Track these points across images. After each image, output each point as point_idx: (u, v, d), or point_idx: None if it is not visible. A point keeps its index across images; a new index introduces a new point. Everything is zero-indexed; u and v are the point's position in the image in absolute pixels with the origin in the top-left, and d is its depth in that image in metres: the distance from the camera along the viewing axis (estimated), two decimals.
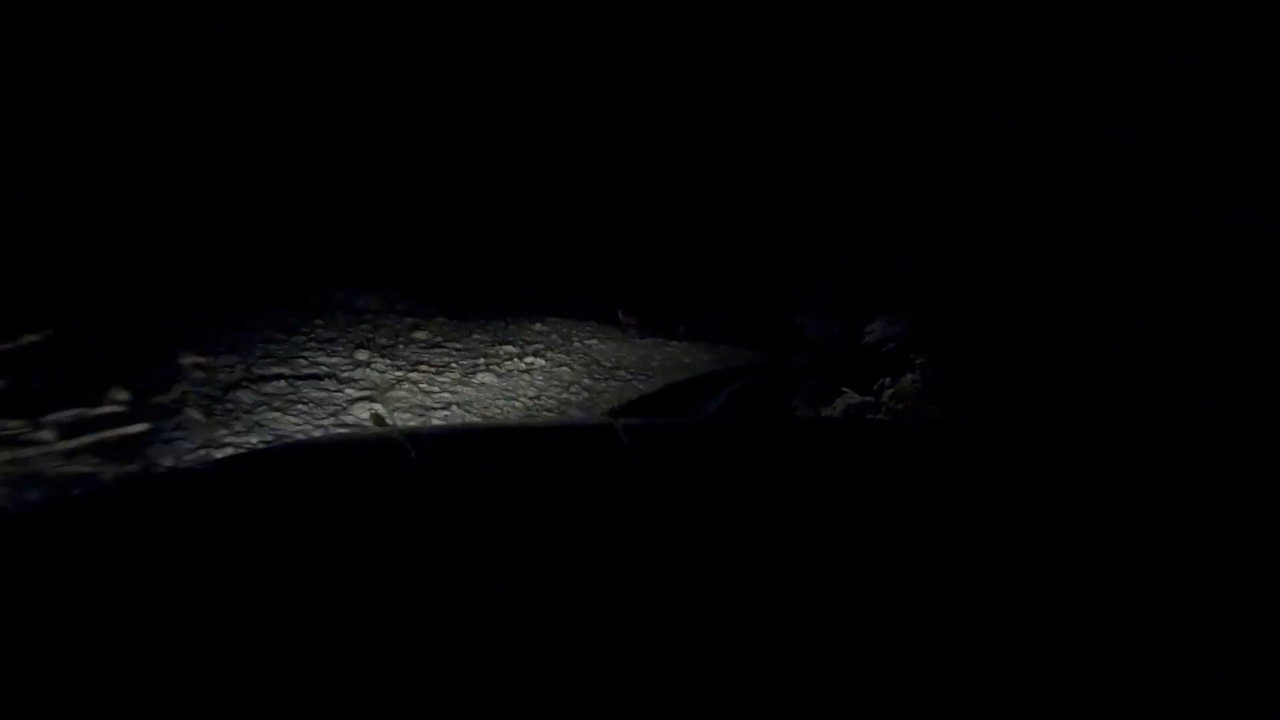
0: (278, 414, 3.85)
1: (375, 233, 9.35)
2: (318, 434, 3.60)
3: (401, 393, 4.71)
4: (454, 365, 5.88)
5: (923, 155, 7.03)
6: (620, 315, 8.10)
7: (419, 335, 6.91)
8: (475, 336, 7.29)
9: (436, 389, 5.03)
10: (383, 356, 5.64)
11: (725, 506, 0.87)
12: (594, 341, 7.88)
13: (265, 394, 4.11)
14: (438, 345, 6.66)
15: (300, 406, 4.03)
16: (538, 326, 8.25)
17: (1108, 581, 0.74)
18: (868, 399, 4.19)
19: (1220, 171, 4.16)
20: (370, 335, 6.43)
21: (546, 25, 9.80)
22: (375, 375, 5.02)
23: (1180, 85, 4.26)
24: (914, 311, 5.52)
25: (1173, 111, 4.40)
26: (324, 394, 4.34)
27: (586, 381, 6.40)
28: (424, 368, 5.53)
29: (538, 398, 5.55)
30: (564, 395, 5.82)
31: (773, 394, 7.14)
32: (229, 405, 3.91)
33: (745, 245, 9.50)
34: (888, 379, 4.40)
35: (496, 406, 5.09)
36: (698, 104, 10.10)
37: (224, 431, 3.52)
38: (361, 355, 5.52)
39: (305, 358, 5.13)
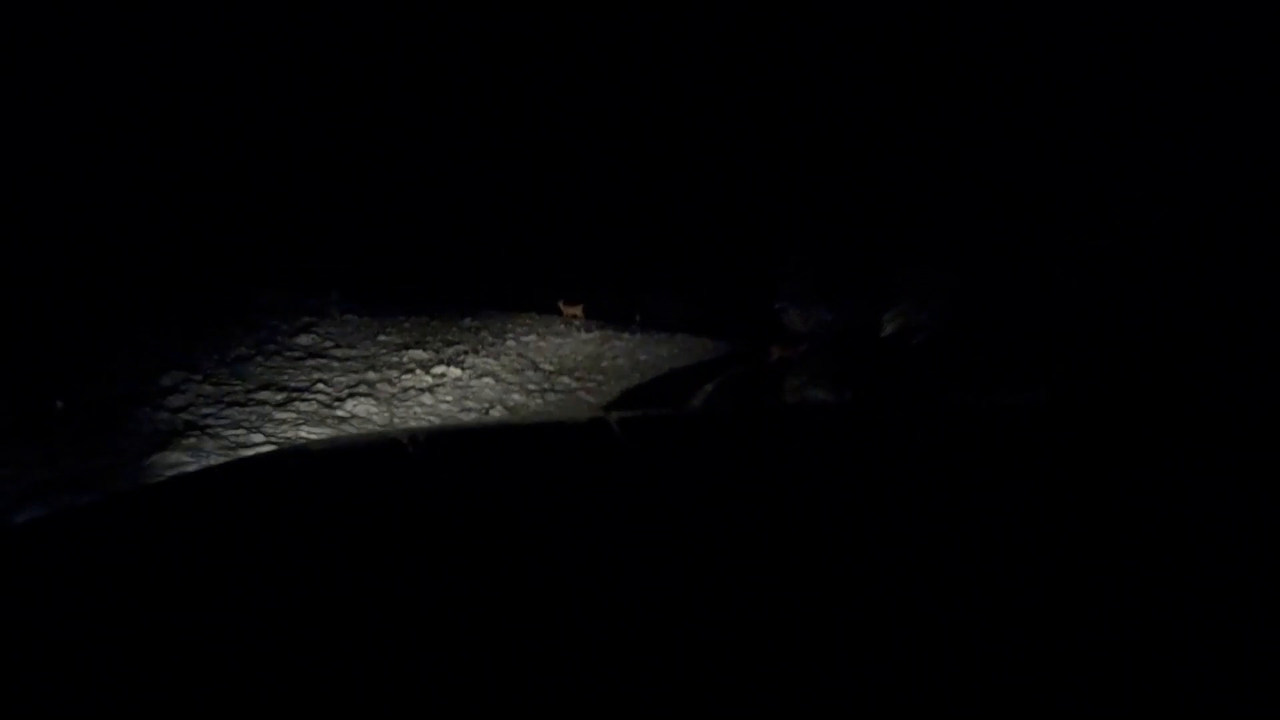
0: None
1: (301, 218, 7.26)
2: None
3: (187, 444, 2.60)
4: (321, 386, 3.78)
5: (926, 107, 5.16)
6: (562, 305, 6.02)
7: (300, 341, 4.76)
8: (381, 339, 5.17)
9: (260, 436, 2.92)
10: (207, 381, 3.51)
11: (730, 506, 0.75)
12: (532, 338, 5.81)
13: None
14: (319, 355, 4.53)
15: None
16: (466, 321, 6.14)
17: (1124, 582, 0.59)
18: None
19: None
20: (225, 344, 4.27)
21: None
22: (160, 419, 2.90)
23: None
24: (953, 290, 3.67)
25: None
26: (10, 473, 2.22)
27: (516, 397, 4.36)
28: (263, 395, 3.42)
29: None
30: None
31: (755, 395, 5.28)
32: None
33: (712, 219, 7.53)
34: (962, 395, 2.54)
35: None
36: (647, 68, 8.12)
37: None
38: (169, 379, 3.38)
39: (105, 385, 2.98)
